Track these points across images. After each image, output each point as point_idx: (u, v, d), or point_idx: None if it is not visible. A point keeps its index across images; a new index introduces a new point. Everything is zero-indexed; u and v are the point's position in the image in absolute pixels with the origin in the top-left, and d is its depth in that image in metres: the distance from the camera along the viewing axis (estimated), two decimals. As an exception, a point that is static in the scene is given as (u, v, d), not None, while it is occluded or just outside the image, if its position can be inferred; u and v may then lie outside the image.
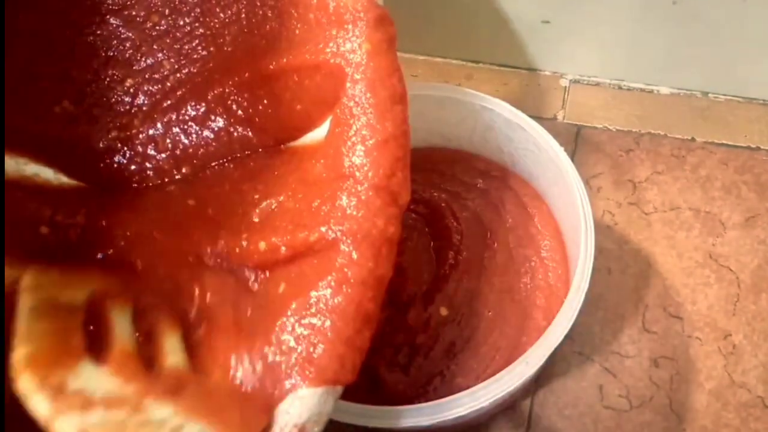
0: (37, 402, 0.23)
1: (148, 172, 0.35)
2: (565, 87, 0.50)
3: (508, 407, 0.40)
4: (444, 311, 0.38)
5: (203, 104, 0.34)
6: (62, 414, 0.23)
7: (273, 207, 0.31)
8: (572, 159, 0.37)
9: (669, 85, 0.49)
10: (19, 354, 0.24)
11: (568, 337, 0.33)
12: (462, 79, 0.51)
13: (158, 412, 0.24)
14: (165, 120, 0.35)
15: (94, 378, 0.25)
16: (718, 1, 0.42)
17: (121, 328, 0.28)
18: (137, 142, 0.35)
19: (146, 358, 0.27)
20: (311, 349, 0.26)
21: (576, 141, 0.48)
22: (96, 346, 0.26)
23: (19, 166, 0.33)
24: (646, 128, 0.48)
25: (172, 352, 0.28)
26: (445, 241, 0.40)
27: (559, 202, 0.39)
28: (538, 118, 0.38)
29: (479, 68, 0.51)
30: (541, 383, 0.41)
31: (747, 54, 0.45)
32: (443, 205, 0.41)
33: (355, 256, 0.27)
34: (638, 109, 0.49)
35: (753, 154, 0.47)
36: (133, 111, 0.35)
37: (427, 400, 0.31)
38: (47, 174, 0.34)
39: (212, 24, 0.34)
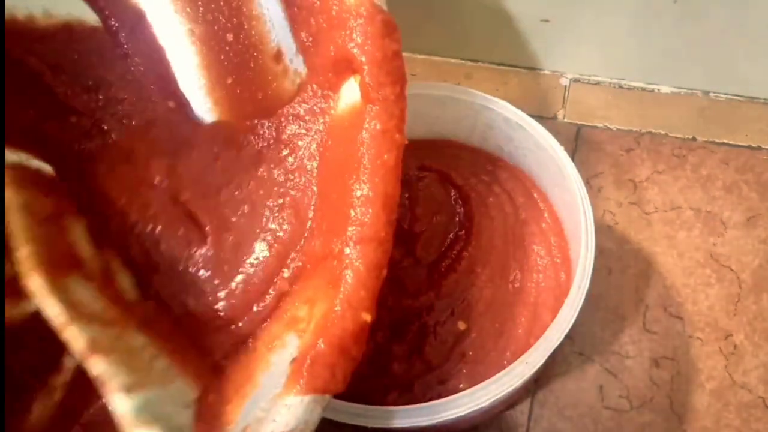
0: (49, 306, 0.24)
1: None
2: (566, 86, 0.50)
3: (508, 407, 0.40)
4: (462, 325, 0.37)
5: None
6: (73, 322, 0.23)
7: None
8: (572, 158, 0.37)
9: (670, 84, 0.49)
10: (23, 252, 0.25)
11: (568, 337, 0.33)
12: (461, 78, 0.50)
13: (135, 340, 0.25)
14: None
15: (86, 293, 0.25)
16: (719, 0, 0.42)
17: (84, 247, 0.29)
18: None
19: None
20: (303, 356, 0.26)
21: (576, 140, 0.48)
22: (75, 262, 0.27)
23: (22, 162, 0.33)
24: (646, 127, 0.48)
25: (128, 290, 0.29)
26: (463, 234, 0.40)
27: (560, 202, 0.39)
28: (538, 118, 0.38)
29: (479, 67, 0.51)
30: (541, 383, 0.40)
31: (748, 53, 0.45)
32: (455, 194, 0.41)
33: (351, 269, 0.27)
34: (639, 109, 0.49)
35: (754, 154, 0.47)
36: None
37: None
38: (48, 170, 0.34)
39: None
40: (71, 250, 0.27)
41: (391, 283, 0.34)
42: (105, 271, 0.28)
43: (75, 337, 0.23)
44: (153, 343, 0.25)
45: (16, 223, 0.26)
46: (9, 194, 0.27)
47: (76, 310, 0.24)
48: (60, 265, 0.25)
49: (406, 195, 0.40)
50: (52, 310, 0.24)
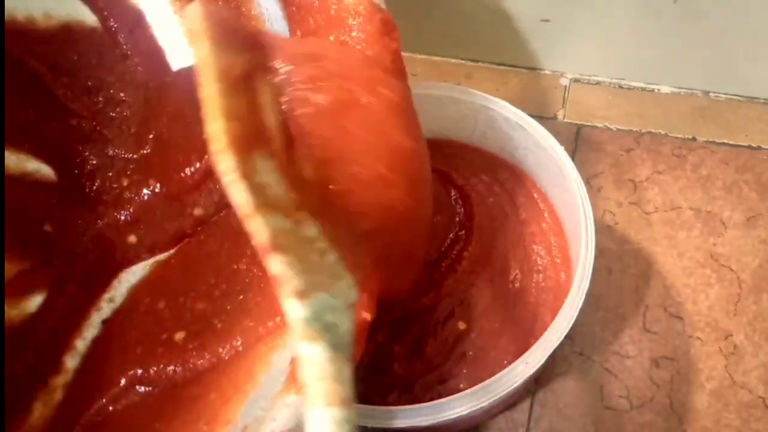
0: (237, 192, 0.21)
1: None
2: (566, 86, 0.50)
3: (508, 407, 0.40)
4: (462, 325, 0.37)
5: None
6: (259, 212, 0.21)
7: None
8: (572, 158, 0.37)
9: (670, 84, 0.49)
10: (215, 127, 0.21)
11: (568, 337, 0.33)
12: (461, 78, 0.50)
13: (309, 230, 0.23)
14: None
15: (270, 173, 0.22)
16: (718, 0, 0.42)
17: (270, 114, 0.24)
18: None
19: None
20: None
21: (576, 140, 0.48)
22: (263, 134, 0.23)
23: (21, 162, 0.33)
24: (646, 127, 0.48)
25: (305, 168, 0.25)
26: (463, 234, 0.40)
27: (560, 202, 0.39)
28: (538, 117, 0.38)
29: (479, 67, 0.51)
30: (541, 383, 0.40)
31: (748, 53, 0.45)
32: (455, 194, 0.41)
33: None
34: (639, 108, 0.49)
35: (754, 154, 0.47)
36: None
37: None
38: (47, 171, 0.34)
39: None
40: (260, 119, 0.23)
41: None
42: (287, 145, 0.24)
43: (259, 229, 0.21)
44: (324, 234, 0.23)
45: (209, 88, 0.22)
46: (205, 52, 0.22)
47: (261, 196, 0.21)
48: (251, 140, 0.22)
49: None
50: (240, 196, 0.21)
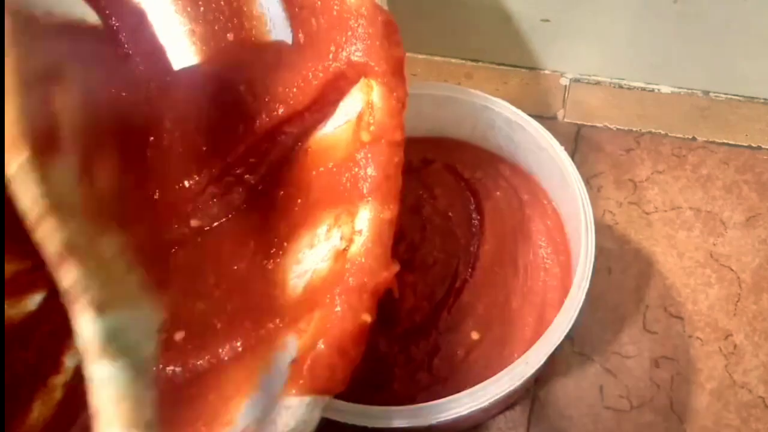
0: (26, 191, 0.18)
1: None
2: (566, 86, 0.50)
3: (508, 407, 0.40)
4: (475, 335, 0.36)
5: None
6: (52, 214, 0.19)
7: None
8: (572, 158, 0.37)
9: (670, 84, 0.49)
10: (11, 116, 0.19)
11: (568, 337, 0.33)
12: (462, 78, 0.50)
13: (114, 244, 0.21)
14: None
15: (67, 176, 0.21)
16: (718, 0, 0.42)
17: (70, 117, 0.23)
18: None
19: None
20: (303, 357, 0.26)
21: (576, 140, 0.48)
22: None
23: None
24: (646, 127, 0.48)
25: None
26: (478, 225, 0.39)
27: (560, 201, 0.39)
28: (538, 117, 0.38)
29: (479, 67, 0.51)
30: (541, 383, 0.40)
31: (748, 52, 0.45)
32: (467, 193, 0.40)
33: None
34: (639, 108, 0.49)
35: (754, 154, 0.47)
36: None
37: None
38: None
39: None
40: (54, 123, 0.21)
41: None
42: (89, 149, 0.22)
43: (50, 234, 0.18)
44: (130, 247, 0.21)
45: (9, 78, 0.19)
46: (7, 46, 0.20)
47: (55, 198, 0.19)
48: (45, 143, 0.19)
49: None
50: (28, 194, 0.18)
